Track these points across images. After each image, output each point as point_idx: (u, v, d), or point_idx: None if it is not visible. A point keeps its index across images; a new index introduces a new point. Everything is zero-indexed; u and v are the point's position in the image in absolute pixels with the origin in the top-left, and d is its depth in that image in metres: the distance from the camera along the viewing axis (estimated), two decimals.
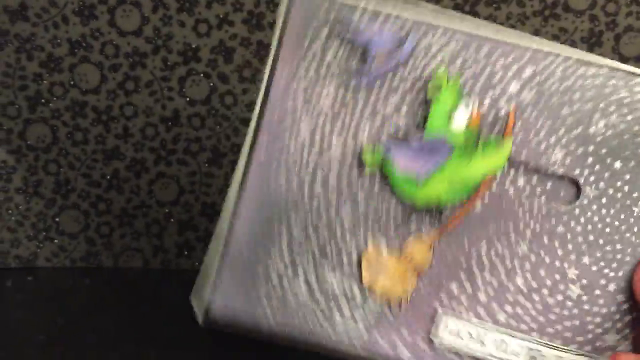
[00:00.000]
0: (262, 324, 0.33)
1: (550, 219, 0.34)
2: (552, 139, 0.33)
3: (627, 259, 0.34)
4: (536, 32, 0.48)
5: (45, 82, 0.48)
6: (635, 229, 0.33)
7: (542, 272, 0.34)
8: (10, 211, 0.50)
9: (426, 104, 0.32)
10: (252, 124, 0.33)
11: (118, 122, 0.49)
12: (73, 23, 0.47)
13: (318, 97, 0.33)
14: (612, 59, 0.48)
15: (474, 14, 0.48)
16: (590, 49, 0.49)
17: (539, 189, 0.34)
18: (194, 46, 0.48)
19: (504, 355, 0.33)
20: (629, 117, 0.33)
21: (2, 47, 0.47)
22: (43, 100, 0.48)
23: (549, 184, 0.34)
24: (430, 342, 0.33)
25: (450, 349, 0.33)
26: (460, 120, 0.32)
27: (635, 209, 0.33)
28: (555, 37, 0.49)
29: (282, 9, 0.32)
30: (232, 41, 0.48)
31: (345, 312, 0.33)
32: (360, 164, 0.33)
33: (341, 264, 0.33)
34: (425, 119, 0.32)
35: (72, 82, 0.48)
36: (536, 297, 0.34)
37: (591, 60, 0.33)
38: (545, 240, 0.34)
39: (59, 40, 0.47)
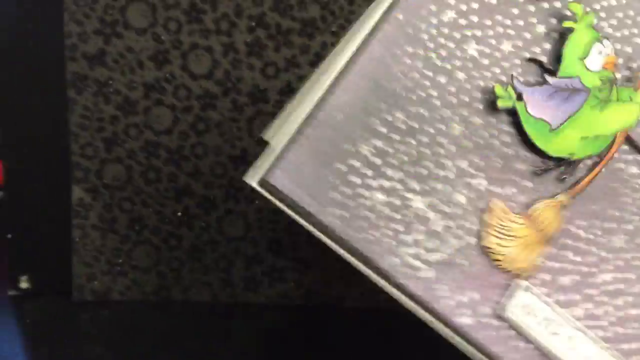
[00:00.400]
0: (323, 217, 0.27)
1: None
2: None
3: None
4: None
5: (121, 124, 0.50)
6: None
7: (633, 276, 0.29)
8: (86, 246, 0.52)
9: (561, 39, 0.29)
10: None
11: (189, 161, 0.51)
12: (148, 68, 0.49)
13: None
14: None
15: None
16: None
17: None
18: (262, 88, 0.50)
19: (570, 354, 0.29)
20: None
21: (80, 91, 0.49)
22: (119, 141, 0.50)
23: None
24: (499, 311, 0.29)
25: (517, 325, 0.29)
26: (596, 61, 0.29)
27: None
28: None
29: None
30: (299, 82, 0.50)
31: (420, 241, 0.28)
32: (491, 104, 0.29)
33: (436, 193, 0.28)
34: (559, 58, 0.29)
35: (146, 124, 0.50)
36: (619, 302, 0.29)
37: None
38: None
39: (134, 84, 0.49)
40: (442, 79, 0.28)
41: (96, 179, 0.51)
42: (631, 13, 0.29)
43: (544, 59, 0.29)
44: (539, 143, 0.29)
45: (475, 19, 0.29)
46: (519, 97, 0.28)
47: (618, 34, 0.29)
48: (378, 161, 0.28)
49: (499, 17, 0.29)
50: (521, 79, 0.29)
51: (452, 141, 0.29)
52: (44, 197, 0.52)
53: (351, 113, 0.27)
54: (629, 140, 0.30)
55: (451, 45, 0.29)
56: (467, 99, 0.29)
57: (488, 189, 0.29)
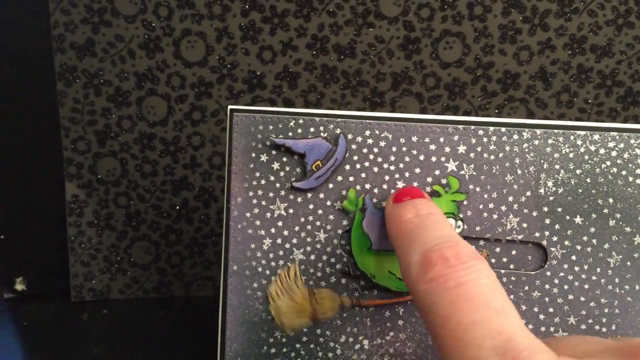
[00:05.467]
0: None
1: (523, 286, 0.33)
2: (503, 208, 0.32)
3: (616, 311, 0.32)
4: (610, 41, 0.47)
5: (113, 116, 0.48)
6: (617, 280, 0.32)
7: None
8: (83, 245, 0.50)
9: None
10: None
11: (186, 152, 0.49)
12: (139, 56, 0.47)
13: (273, 203, 0.33)
14: None
15: (544, 26, 0.47)
16: None
17: (504, 259, 0.33)
18: (258, 73, 0.48)
19: None
20: (578, 171, 0.32)
21: (70, 84, 0.47)
22: (112, 134, 0.48)
23: (513, 252, 0.33)
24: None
25: None
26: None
27: (611, 260, 0.32)
28: (629, 46, 0.47)
29: (227, 131, 0.33)
30: (297, 66, 0.48)
31: None
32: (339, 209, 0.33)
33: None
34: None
35: (139, 115, 0.48)
36: None
37: (525, 123, 0.32)
38: (523, 307, 0.33)
39: (126, 74, 0.47)
40: None
41: (90, 174, 0.49)
42: (431, 150, 0.33)
43: None
44: (354, 252, 0.33)
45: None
46: (363, 209, 0.33)
47: (428, 172, 0.33)
48: None
49: None
50: (374, 200, 0.33)
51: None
52: (37, 195, 0.50)
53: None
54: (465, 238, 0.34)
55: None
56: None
57: (300, 258, 0.34)
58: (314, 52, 0.47)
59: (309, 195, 0.33)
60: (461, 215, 0.32)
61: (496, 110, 0.48)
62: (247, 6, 0.46)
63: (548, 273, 0.33)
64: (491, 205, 0.32)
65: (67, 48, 0.46)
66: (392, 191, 0.33)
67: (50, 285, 0.52)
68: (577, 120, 0.48)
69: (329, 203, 0.33)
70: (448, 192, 0.32)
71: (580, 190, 0.32)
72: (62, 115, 0.48)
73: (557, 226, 0.32)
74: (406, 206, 0.29)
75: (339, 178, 0.33)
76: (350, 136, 0.33)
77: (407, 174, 0.33)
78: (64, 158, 0.48)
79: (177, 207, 0.50)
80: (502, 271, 0.33)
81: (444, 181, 0.32)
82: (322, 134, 0.33)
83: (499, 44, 0.47)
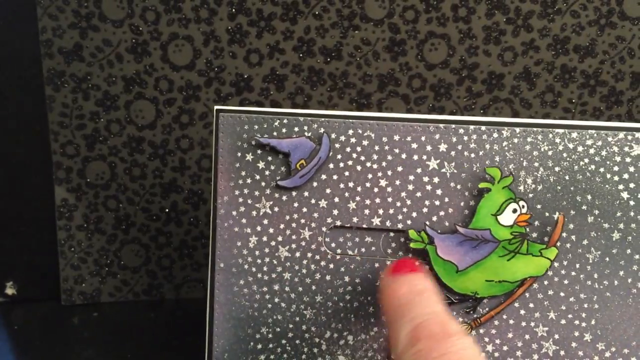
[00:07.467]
0: None
1: None
2: None
3: (596, 306, 0.33)
4: (593, 41, 0.47)
5: (102, 120, 0.48)
6: (595, 275, 0.33)
7: (510, 335, 0.33)
8: (72, 248, 0.50)
9: (474, 196, 0.33)
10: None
11: (174, 155, 0.49)
12: (127, 60, 0.47)
13: (258, 201, 0.34)
14: None
15: (528, 27, 0.47)
16: None
17: None
18: (246, 76, 0.48)
19: None
20: (557, 169, 0.33)
21: (58, 88, 0.48)
22: (101, 138, 0.49)
23: None
24: None
25: None
26: (509, 217, 0.33)
27: (589, 256, 0.33)
28: (612, 46, 0.47)
29: (213, 132, 0.34)
30: (284, 69, 0.48)
31: None
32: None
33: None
34: (472, 212, 0.33)
35: (128, 119, 0.48)
36: None
37: (505, 122, 0.33)
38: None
39: (114, 78, 0.48)
40: None
41: (79, 178, 0.49)
42: (413, 149, 0.34)
43: (466, 212, 0.33)
44: (445, 280, 0.33)
45: None
46: (431, 241, 0.33)
47: (410, 170, 0.34)
48: None
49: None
50: (436, 230, 0.33)
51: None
52: (27, 199, 0.51)
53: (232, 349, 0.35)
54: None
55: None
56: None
57: (285, 255, 0.35)
58: (301, 55, 0.48)
59: (294, 193, 0.34)
60: (520, 197, 0.33)
61: (481, 111, 0.49)
62: (233, 10, 0.47)
63: None
64: (472, 202, 0.33)
65: (55, 53, 0.47)
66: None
67: (40, 288, 0.52)
68: (561, 119, 0.49)
69: (313, 201, 0.34)
70: (495, 183, 0.33)
71: (559, 187, 0.33)
72: (51, 119, 0.48)
73: (536, 223, 0.33)
74: (401, 281, 0.30)
75: (323, 176, 0.33)
76: (333, 135, 0.33)
77: (389, 172, 0.33)
78: (53, 162, 0.49)
79: (167, 210, 0.50)
80: None
81: (486, 177, 0.33)
82: (306, 134, 0.33)
83: (484, 45, 0.48)
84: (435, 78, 0.48)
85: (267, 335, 0.34)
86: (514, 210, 0.33)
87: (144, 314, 0.50)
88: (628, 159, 0.32)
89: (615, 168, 0.32)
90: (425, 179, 0.33)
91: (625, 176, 0.32)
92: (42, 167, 0.49)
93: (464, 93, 0.48)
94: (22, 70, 0.48)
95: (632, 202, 0.32)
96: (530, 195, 0.33)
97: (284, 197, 0.34)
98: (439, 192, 0.33)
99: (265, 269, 0.34)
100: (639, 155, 0.32)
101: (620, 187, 0.32)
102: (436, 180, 0.33)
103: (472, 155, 0.33)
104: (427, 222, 0.33)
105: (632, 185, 0.32)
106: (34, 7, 0.47)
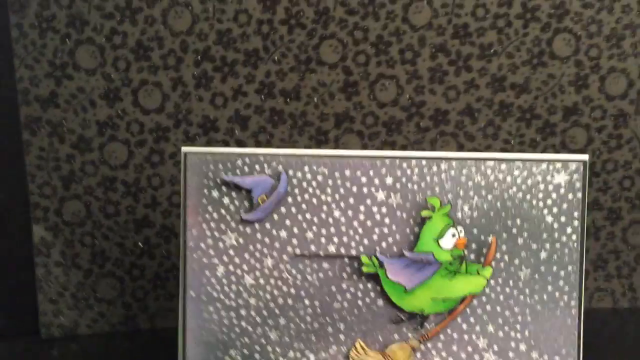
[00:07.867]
0: None
1: None
2: None
3: (528, 319, 0.37)
4: (527, 79, 0.52)
5: (77, 161, 0.52)
6: (527, 291, 0.37)
7: (455, 348, 0.38)
8: (50, 284, 0.53)
9: (417, 224, 0.37)
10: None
11: (146, 192, 0.53)
12: (100, 106, 0.51)
13: (224, 234, 0.37)
14: (598, 99, 0.52)
15: (468, 67, 0.52)
16: (578, 91, 0.52)
17: None
18: (212, 118, 0.52)
19: None
20: (489, 197, 0.37)
21: (35, 133, 0.51)
22: (76, 179, 0.52)
23: None
24: None
25: None
26: (449, 241, 0.37)
27: (521, 273, 0.37)
28: (544, 82, 0.52)
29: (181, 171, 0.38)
30: (247, 110, 0.52)
31: None
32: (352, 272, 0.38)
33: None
34: (416, 237, 0.37)
35: (102, 160, 0.52)
36: None
37: (443, 156, 0.37)
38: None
39: (87, 123, 0.51)
40: None
41: (56, 217, 0.52)
42: (363, 181, 0.37)
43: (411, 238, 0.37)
44: (395, 300, 0.37)
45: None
46: (381, 265, 0.37)
47: (361, 201, 0.37)
48: None
49: None
50: (385, 254, 0.37)
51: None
52: (5, 239, 0.53)
53: None
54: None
55: None
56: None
57: (250, 283, 0.38)
58: (262, 97, 0.52)
59: (257, 225, 0.37)
60: (458, 223, 0.37)
61: (430, 144, 0.53)
62: (199, 57, 0.51)
63: None
64: (416, 229, 0.37)
65: (32, 100, 0.50)
66: (330, 221, 0.37)
67: (20, 324, 0.54)
68: (501, 150, 0.53)
69: (274, 232, 0.37)
70: (436, 211, 0.37)
71: (492, 213, 0.37)
72: (28, 162, 0.51)
73: (473, 245, 0.37)
74: None
75: (283, 209, 0.37)
76: (291, 172, 0.37)
77: (342, 204, 0.37)
78: (30, 202, 0.52)
79: (140, 244, 0.53)
80: None
81: (428, 205, 0.37)
82: (266, 171, 0.37)
83: (429, 85, 0.52)
84: (387, 115, 0.52)
85: (236, 357, 0.37)
86: (453, 235, 0.37)
87: (120, 343, 0.53)
88: (550, 187, 0.37)
89: (540, 195, 0.37)
90: (375, 209, 0.37)
91: (549, 202, 0.37)
92: (19, 207, 0.52)
93: (413, 128, 0.53)
94: (1, 117, 0.51)
95: (555, 225, 0.37)
96: (467, 221, 0.37)
97: (248, 230, 0.37)
98: (387, 220, 0.37)
99: (232, 295, 0.38)
100: (559, 184, 0.37)
101: (545, 211, 0.37)
102: (384, 210, 0.37)
103: (415, 186, 0.37)
104: (377, 248, 0.37)
105: (555, 210, 0.37)
106: (11, 58, 0.50)
